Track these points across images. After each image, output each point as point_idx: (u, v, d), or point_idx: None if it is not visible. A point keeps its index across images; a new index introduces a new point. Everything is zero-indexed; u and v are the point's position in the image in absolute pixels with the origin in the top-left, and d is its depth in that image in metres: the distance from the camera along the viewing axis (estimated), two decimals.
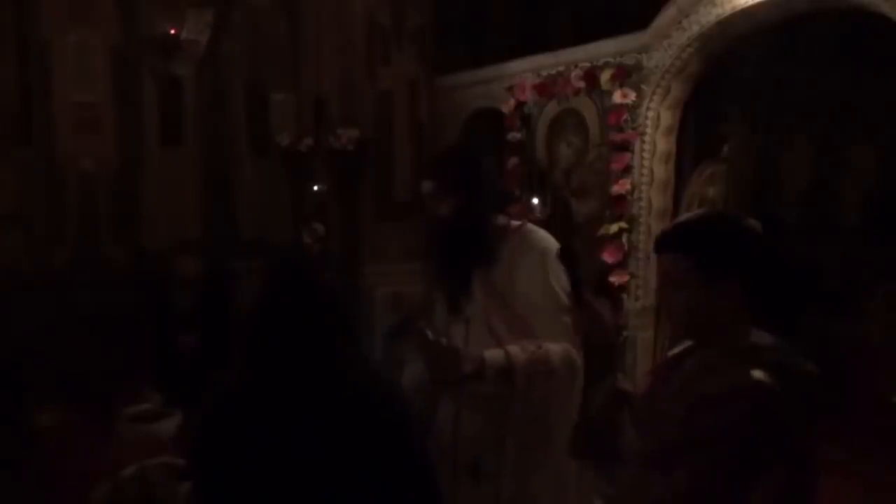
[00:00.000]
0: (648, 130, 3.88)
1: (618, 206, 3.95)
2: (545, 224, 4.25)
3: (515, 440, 2.08)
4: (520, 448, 2.08)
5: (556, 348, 2.03)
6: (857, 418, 4.36)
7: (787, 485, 1.31)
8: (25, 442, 2.55)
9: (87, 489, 2.06)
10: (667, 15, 3.74)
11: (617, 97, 3.92)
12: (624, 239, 3.93)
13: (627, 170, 3.92)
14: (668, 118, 3.92)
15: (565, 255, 1.77)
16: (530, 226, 2.23)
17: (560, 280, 2.05)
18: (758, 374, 1.32)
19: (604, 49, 4.06)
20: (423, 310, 2.02)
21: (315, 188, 4.65)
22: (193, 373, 3.29)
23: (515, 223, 2.21)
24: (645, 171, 3.92)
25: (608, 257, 3.91)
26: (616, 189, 3.94)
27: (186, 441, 2.36)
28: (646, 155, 3.91)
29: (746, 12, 3.44)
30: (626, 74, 3.92)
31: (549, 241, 2.17)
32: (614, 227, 3.93)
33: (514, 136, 4.52)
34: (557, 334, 2.05)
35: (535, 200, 4.31)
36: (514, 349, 2.00)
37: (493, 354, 2.00)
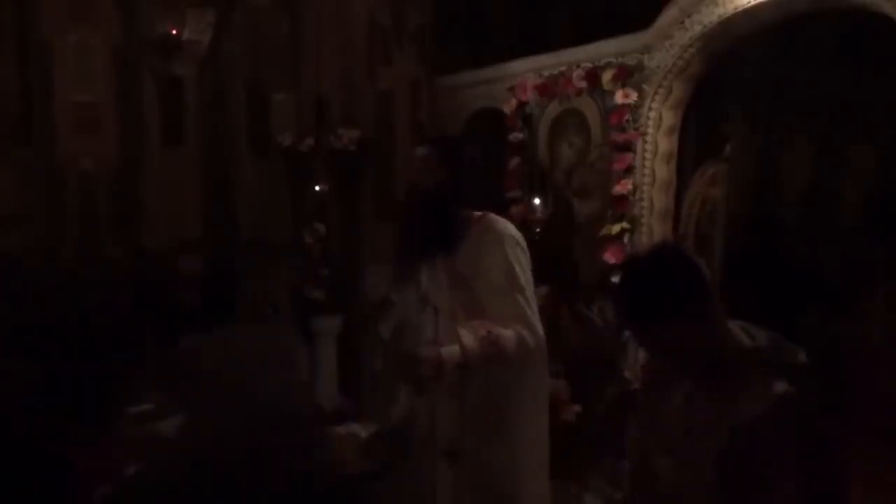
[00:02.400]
0: (650, 130, 3.88)
1: (619, 206, 3.95)
2: (546, 224, 4.28)
3: (472, 423, 2.12)
4: (477, 431, 2.11)
5: (507, 333, 2.08)
6: (857, 418, 4.36)
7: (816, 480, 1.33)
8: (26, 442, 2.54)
9: (87, 489, 2.05)
10: (668, 15, 3.73)
11: (618, 97, 3.92)
12: (625, 239, 3.92)
13: (629, 170, 3.91)
14: (669, 118, 3.92)
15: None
16: (491, 215, 2.30)
17: (520, 261, 2.15)
18: (780, 387, 1.34)
19: (605, 49, 4.06)
20: (381, 310, 2.07)
21: (316, 188, 4.65)
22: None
23: (478, 214, 2.26)
24: (647, 172, 3.91)
25: (610, 258, 3.91)
26: (618, 189, 3.94)
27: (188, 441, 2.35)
28: (647, 155, 3.91)
29: (748, 12, 3.44)
30: (627, 74, 3.92)
31: (510, 228, 2.26)
32: (616, 228, 3.93)
33: (516, 136, 4.52)
34: (511, 314, 2.11)
35: (537, 200, 4.31)
36: (467, 341, 2.05)
37: (450, 351, 2.04)
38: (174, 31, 4.24)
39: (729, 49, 3.79)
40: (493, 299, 2.13)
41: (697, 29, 3.61)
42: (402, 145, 4.92)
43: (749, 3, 3.37)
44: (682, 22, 3.66)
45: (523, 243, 2.23)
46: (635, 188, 3.92)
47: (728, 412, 1.37)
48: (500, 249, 2.16)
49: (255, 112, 4.75)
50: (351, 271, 4.78)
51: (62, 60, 4.03)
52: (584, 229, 4.14)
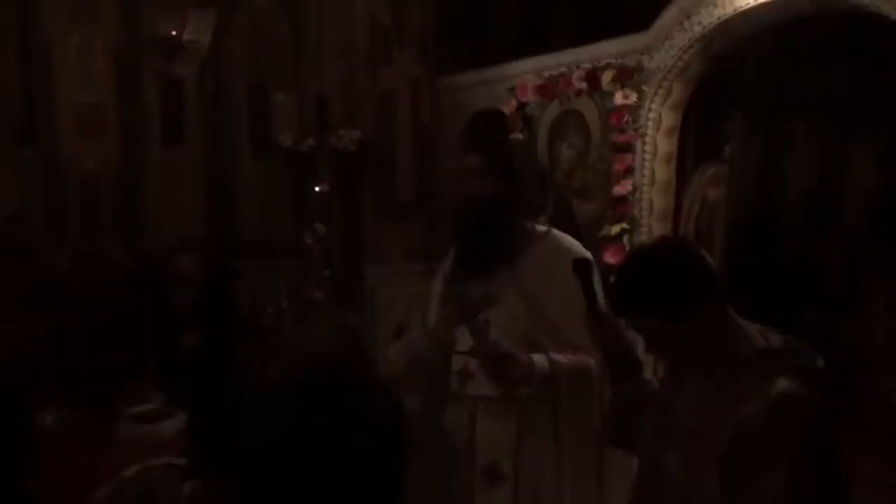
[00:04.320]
0: (650, 131, 3.88)
1: (619, 207, 3.96)
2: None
3: (532, 448, 2.07)
4: (539, 456, 2.07)
5: (594, 363, 2.02)
6: (858, 418, 4.36)
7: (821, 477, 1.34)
8: (27, 442, 2.55)
9: (89, 490, 2.06)
10: (668, 16, 3.74)
11: (618, 98, 3.93)
12: (625, 240, 3.93)
13: (629, 171, 3.92)
14: (669, 119, 3.92)
15: (580, 268, 1.77)
16: (557, 232, 2.21)
17: (598, 290, 2.06)
18: (783, 383, 1.34)
19: (605, 50, 4.07)
20: (484, 304, 2.01)
21: (317, 189, 4.65)
22: (195, 372, 3.30)
23: (541, 228, 2.19)
24: (646, 173, 3.92)
25: (610, 258, 3.91)
26: (617, 190, 3.95)
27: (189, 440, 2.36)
28: (647, 156, 3.91)
29: (748, 13, 3.44)
30: (627, 75, 3.92)
31: (581, 249, 2.15)
32: (616, 229, 3.94)
33: (516, 137, 4.52)
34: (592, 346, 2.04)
35: None
36: (559, 358, 1.99)
37: (540, 361, 2.00)
38: (175, 32, 4.24)
39: (729, 50, 3.79)
40: (576, 328, 1.99)
41: (697, 30, 3.61)
42: (404, 146, 4.93)
43: (748, 4, 3.38)
44: (682, 23, 3.67)
45: (593, 262, 2.12)
46: (635, 189, 3.92)
47: (733, 412, 1.37)
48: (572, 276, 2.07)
49: (256, 112, 4.76)
50: (352, 272, 4.79)
51: (64, 61, 4.04)
52: (583, 230, 4.14)
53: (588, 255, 2.11)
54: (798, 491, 1.30)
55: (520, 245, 2.13)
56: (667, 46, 3.75)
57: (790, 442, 1.31)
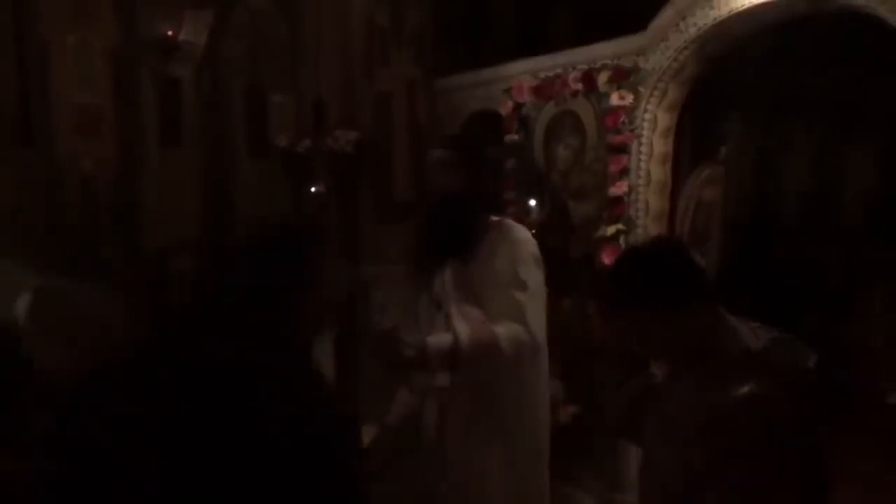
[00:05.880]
0: (646, 132, 3.88)
1: (615, 208, 3.96)
2: (543, 226, 4.28)
3: (459, 417, 2.09)
4: (464, 426, 2.09)
5: (503, 331, 2.04)
6: (857, 418, 4.36)
7: (803, 480, 1.34)
8: (27, 443, 2.55)
9: None
10: (664, 17, 3.74)
11: (614, 99, 3.93)
12: (621, 241, 3.93)
13: (625, 172, 3.92)
14: (665, 120, 3.92)
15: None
16: (508, 221, 2.27)
17: (527, 264, 2.10)
18: (753, 384, 1.35)
19: (601, 51, 4.06)
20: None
21: (313, 190, 4.66)
22: None
23: (495, 219, 2.23)
24: (642, 174, 3.92)
25: (606, 259, 3.92)
26: (614, 191, 3.95)
27: None
28: (643, 157, 3.91)
29: (743, 14, 3.44)
30: (623, 76, 3.92)
31: (524, 234, 2.21)
32: (612, 229, 3.94)
33: (512, 138, 4.53)
34: (507, 311, 2.07)
35: (533, 202, 4.32)
36: (463, 332, 2.00)
37: (439, 340, 2.00)
38: (171, 33, 4.25)
39: (724, 51, 3.79)
40: (492, 295, 2.08)
41: (692, 31, 3.61)
42: (400, 147, 4.93)
43: (744, 5, 3.38)
44: (678, 24, 3.67)
45: (537, 252, 2.18)
46: (631, 190, 3.93)
47: (708, 409, 1.39)
48: (510, 253, 2.12)
49: (253, 113, 4.77)
50: (350, 273, 4.79)
51: (61, 61, 4.05)
52: (579, 231, 4.15)
53: (533, 241, 2.17)
54: (764, 491, 1.30)
55: (474, 239, 2.16)
56: (662, 47, 3.75)
57: (752, 442, 1.31)
